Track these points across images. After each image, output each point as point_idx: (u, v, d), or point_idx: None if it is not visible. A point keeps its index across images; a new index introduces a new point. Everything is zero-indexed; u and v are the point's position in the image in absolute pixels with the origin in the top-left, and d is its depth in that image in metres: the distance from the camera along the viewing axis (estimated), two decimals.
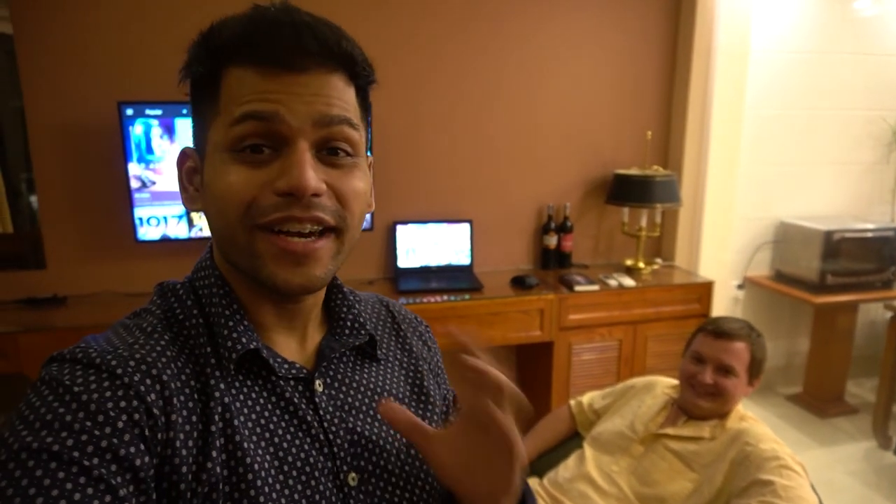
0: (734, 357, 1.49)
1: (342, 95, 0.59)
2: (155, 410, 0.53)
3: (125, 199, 2.33)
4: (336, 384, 0.66)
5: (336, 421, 0.63)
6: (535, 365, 2.86)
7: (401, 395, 0.72)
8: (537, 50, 2.80)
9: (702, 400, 1.50)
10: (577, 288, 2.67)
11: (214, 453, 0.55)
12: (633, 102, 2.97)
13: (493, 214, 2.91)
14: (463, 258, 2.84)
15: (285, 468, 0.58)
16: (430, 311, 2.53)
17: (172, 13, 2.36)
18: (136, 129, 2.26)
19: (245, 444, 0.56)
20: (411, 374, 0.75)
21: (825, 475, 2.77)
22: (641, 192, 2.81)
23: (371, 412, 0.67)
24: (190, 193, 0.63)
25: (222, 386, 0.58)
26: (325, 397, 0.64)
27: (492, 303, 2.60)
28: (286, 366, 0.62)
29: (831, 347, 3.25)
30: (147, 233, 2.36)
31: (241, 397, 0.59)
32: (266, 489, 0.56)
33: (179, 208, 2.37)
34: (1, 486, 0.46)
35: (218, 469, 0.54)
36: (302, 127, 0.56)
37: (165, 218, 2.37)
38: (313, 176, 0.56)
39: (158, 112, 2.28)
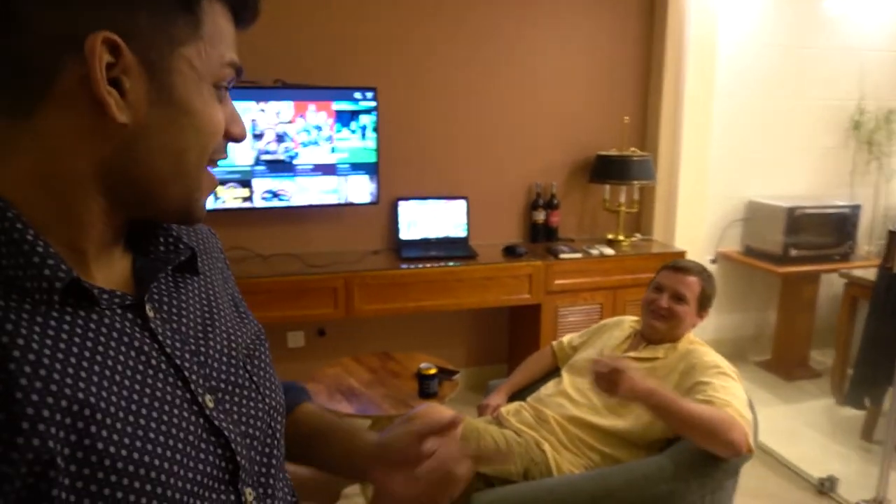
0: (687, 287, 1.79)
1: None
2: None
3: None
4: (165, 307, 0.60)
5: (178, 345, 0.58)
6: (524, 325, 3.16)
7: (224, 307, 0.68)
8: (528, 41, 3.11)
9: (657, 322, 1.79)
10: (562, 255, 2.97)
11: (26, 424, 0.44)
12: (613, 89, 3.28)
13: (487, 192, 3.21)
14: (459, 231, 3.13)
15: (133, 407, 0.51)
16: (431, 275, 2.82)
17: None
18: None
19: (80, 395, 0.47)
20: (223, 285, 0.72)
21: (789, 425, 3.08)
22: (620, 171, 3.12)
23: (208, 329, 0.63)
24: (115, 98, 0.49)
25: (24, 332, 0.46)
26: (159, 322, 0.57)
27: (485, 268, 2.90)
28: (106, 295, 0.53)
29: (796, 316, 3.56)
30: None
31: (62, 339, 0.48)
32: (116, 437, 0.48)
33: None
34: None
35: (49, 442, 0.44)
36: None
37: None
38: None
39: None
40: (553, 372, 2.09)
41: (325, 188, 2.85)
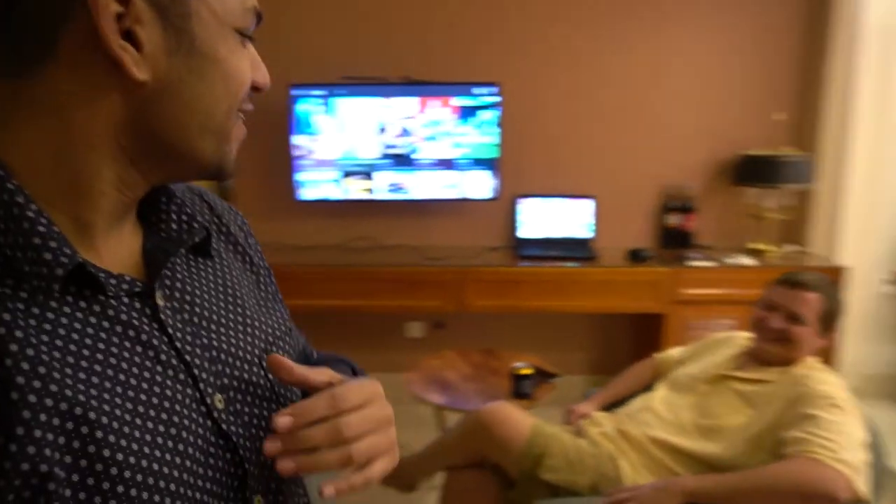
0: (804, 305, 1.54)
1: None
2: None
3: (290, 165, 2.83)
4: (178, 294, 0.54)
5: (189, 338, 0.53)
6: (650, 335, 2.94)
7: (244, 294, 0.62)
8: (663, 30, 2.88)
9: (769, 345, 1.57)
10: (692, 263, 2.72)
11: (21, 429, 0.40)
12: (763, 81, 2.93)
13: (616, 192, 3.03)
14: (584, 232, 2.99)
15: (140, 409, 0.46)
16: (545, 275, 2.74)
17: (338, 9, 2.82)
18: (302, 108, 2.75)
19: (81, 397, 0.43)
20: (246, 269, 0.66)
21: None
22: (770, 173, 2.78)
23: (223, 320, 0.57)
24: (130, 53, 0.44)
25: (21, 324, 0.42)
26: (169, 312, 0.52)
27: (604, 271, 2.75)
28: (113, 280, 0.48)
29: None
30: (306, 194, 2.85)
31: (62, 333, 0.44)
32: (123, 442, 0.44)
33: (336, 173, 2.83)
34: None
35: (47, 450, 0.40)
36: None
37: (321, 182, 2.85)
38: None
39: (321, 92, 2.74)
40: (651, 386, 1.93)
41: (444, 182, 2.88)
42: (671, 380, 1.78)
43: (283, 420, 0.50)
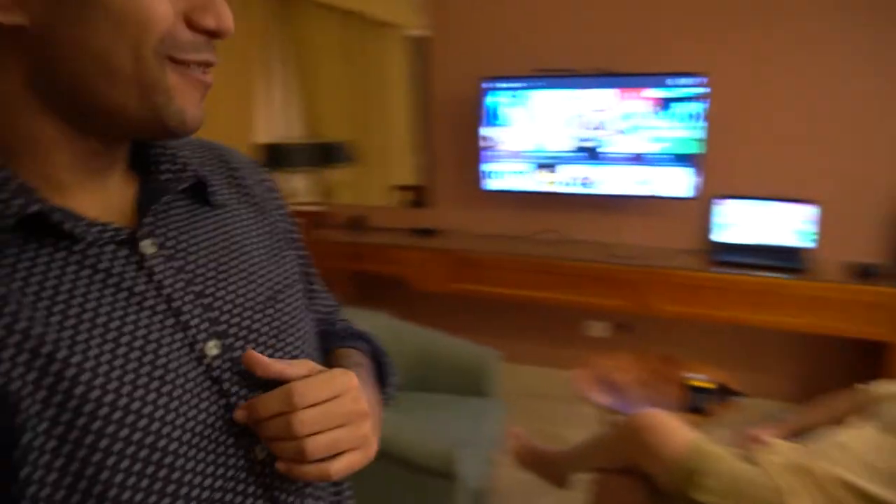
0: None
1: None
2: None
3: (478, 156, 2.93)
4: (172, 242, 0.53)
5: (181, 285, 0.52)
6: (865, 366, 2.52)
7: (253, 245, 0.61)
8: None
9: None
10: None
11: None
12: None
13: (842, 198, 2.61)
14: (795, 240, 2.64)
15: (120, 351, 0.47)
16: (745, 285, 2.50)
17: (530, 2, 2.84)
18: (492, 100, 2.82)
19: (52, 336, 0.44)
20: (262, 220, 0.64)
21: None
22: None
23: (222, 268, 0.56)
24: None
25: None
26: (161, 259, 0.52)
27: (818, 286, 2.41)
28: (95, 228, 0.48)
29: None
30: (493, 184, 2.93)
31: (31, 280, 0.45)
32: (98, 381, 0.45)
33: (522, 165, 2.86)
34: None
35: (11, 385, 0.42)
36: None
37: (505, 173, 2.90)
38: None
39: (512, 85, 2.79)
40: None
41: (636, 178, 2.75)
42: (882, 418, 1.50)
43: (238, 414, 0.51)
